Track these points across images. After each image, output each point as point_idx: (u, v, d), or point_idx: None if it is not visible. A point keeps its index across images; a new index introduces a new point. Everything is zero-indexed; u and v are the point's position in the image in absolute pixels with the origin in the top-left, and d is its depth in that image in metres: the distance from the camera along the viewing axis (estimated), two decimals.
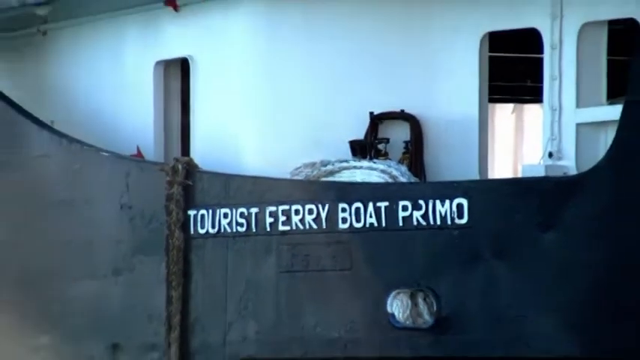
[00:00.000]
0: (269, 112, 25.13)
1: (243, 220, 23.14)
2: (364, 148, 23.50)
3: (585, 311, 20.54)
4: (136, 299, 24.89)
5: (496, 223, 21.34)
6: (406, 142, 23.69)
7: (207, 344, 24.03)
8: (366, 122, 23.72)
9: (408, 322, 20.99)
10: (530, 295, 20.97)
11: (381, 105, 23.72)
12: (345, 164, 23.08)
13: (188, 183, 23.57)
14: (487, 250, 21.03)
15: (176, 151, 26.65)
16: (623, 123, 20.14)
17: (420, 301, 21.00)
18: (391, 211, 21.77)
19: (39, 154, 27.14)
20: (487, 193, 21.82)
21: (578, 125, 22.11)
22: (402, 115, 23.65)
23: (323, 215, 22.36)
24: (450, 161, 23.72)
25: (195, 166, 24.09)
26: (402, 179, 22.58)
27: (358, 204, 21.94)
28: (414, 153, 23.62)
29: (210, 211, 23.63)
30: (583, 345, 20.41)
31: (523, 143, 25.66)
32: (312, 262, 22.60)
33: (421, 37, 23.97)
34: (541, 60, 23.03)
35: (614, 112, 20.96)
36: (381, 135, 23.77)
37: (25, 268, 27.71)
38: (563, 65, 22.48)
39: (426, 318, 20.83)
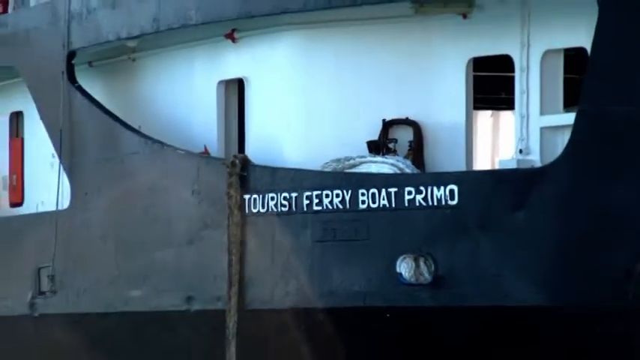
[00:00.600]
0: (305, 119, 25.95)
1: (285, 202, 24.33)
2: (378, 147, 24.62)
3: (548, 270, 22.01)
4: (204, 263, 25.94)
5: (479, 204, 22.86)
6: (410, 142, 24.75)
7: (259, 297, 24.94)
8: (379, 127, 24.78)
9: (412, 280, 22.48)
10: (506, 258, 22.31)
11: (390, 113, 24.81)
12: (363, 159, 24.28)
13: (243, 174, 24.66)
14: (472, 225, 22.66)
15: (234, 149, 26.95)
16: (576, 127, 21.38)
17: (422, 263, 22.41)
18: (399, 195, 23.05)
19: (131, 151, 28.13)
20: (472, 181, 23.28)
21: (541, 129, 23.10)
22: (406, 122, 24.70)
23: (347, 198, 23.50)
24: (444, 157, 24.65)
25: (249, 161, 25.12)
26: (407, 171, 23.96)
27: (374, 190, 23.24)
28: (416, 150, 24.64)
29: (261, 195, 24.74)
30: (547, 296, 21.76)
31: (499, 142, 26.21)
32: (338, 234, 23.83)
33: (421, 62, 24.81)
34: (513, 78, 23.92)
35: (569, 118, 21.98)
36: (390, 136, 24.80)
37: (122, 238, 28.64)
38: (530, 82, 23.37)
39: (426, 276, 22.23)
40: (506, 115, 25.47)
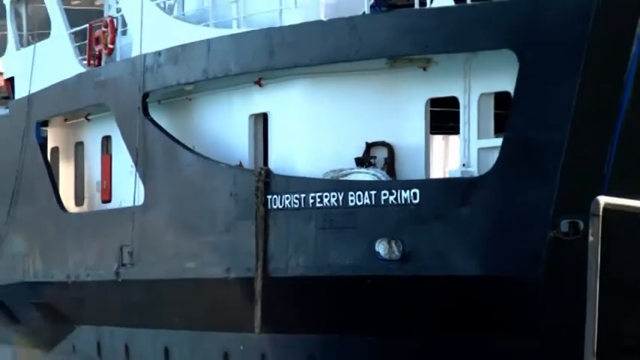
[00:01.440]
0: (310, 142, 26.11)
1: (297, 201, 25.02)
2: (363, 162, 25.05)
3: (483, 250, 22.75)
4: (238, 243, 26.24)
5: (434, 202, 23.47)
6: (385, 159, 25.17)
7: (277, 268, 25.43)
8: (363, 147, 25.20)
9: (386, 256, 23.41)
10: (453, 241, 23.03)
11: (371, 138, 25.19)
12: (352, 170, 25.00)
13: (267, 180, 25.32)
14: (430, 217, 23.29)
15: (260, 163, 27.08)
16: (503, 148, 22.34)
17: (393, 245, 23.30)
18: (377, 196, 23.87)
19: (187, 164, 28.39)
20: (429, 186, 24.11)
21: (479, 149, 23.87)
22: (383, 144, 25.10)
23: (340, 198, 24.31)
24: (409, 169, 25.14)
25: (271, 172, 25.67)
26: (383, 178, 24.55)
27: (359, 192, 23.98)
28: (389, 164, 25.07)
29: (279, 196, 25.34)
30: (482, 268, 22.49)
31: (449, 158, 26.84)
32: (334, 224, 24.49)
33: (394, 101, 25.14)
34: (458, 112, 24.34)
35: (498, 141, 22.75)
36: (371, 154, 25.20)
37: (180, 226, 29.01)
38: (470, 116, 23.97)
39: (397, 254, 23.16)
40: (453, 139, 26.03)
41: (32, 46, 35.85)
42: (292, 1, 26.20)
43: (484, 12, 23.15)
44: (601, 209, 9.17)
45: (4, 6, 38.84)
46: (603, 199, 9.32)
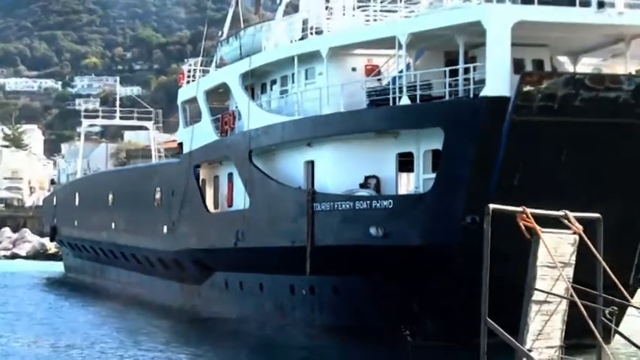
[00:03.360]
0: (336, 176, 25.06)
1: (328, 206, 24.31)
2: (363, 185, 24.37)
3: (427, 230, 22.23)
4: (298, 228, 25.15)
5: (400, 207, 23.02)
6: (375, 184, 24.37)
7: (318, 241, 24.61)
8: (363, 178, 24.42)
9: (375, 235, 22.99)
10: (411, 225, 22.60)
11: (367, 173, 24.45)
12: (358, 190, 24.51)
13: (313, 196, 24.81)
14: (398, 215, 22.73)
15: (309, 186, 25.95)
16: (436, 179, 22.24)
17: (379, 229, 22.86)
18: (370, 203, 23.52)
19: (271, 186, 27.22)
20: (398, 198, 23.59)
21: (424, 179, 23.20)
22: (373, 176, 24.33)
23: (351, 205, 23.97)
24: (387, 190, 24.26)
25: (316, 191, 25.11)
26: (374, 194, 24.06)
27: (361, 202, 23.76)
28: (377, 187, 24.34)
29: (319, 204, 24.63)
30: (423, 239, 22.21)
31: (408, 184, 25.13)
32: (347, 219, 23.94)
33: (379, 154, 24.28)
34: (413, 160, 23.81)
35: (433, 175, 22.40)
36: (368, 182, 24.38)
37: (269, 220, 27.67)
38: (421, 162, 23.43)
39: (380, 234, 22.84)
40: (410, 175, 24.79)
41: (192, 126, 35.52)
42: (325, 101, 25.32)
43: (427, 108, 23.00)
44: (490, 211, 8.90)
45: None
46: (491, 206, 8.97)
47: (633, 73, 23.12)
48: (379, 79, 25.82)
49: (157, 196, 37.32)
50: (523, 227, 8.76)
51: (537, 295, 8.72)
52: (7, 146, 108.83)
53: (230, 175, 31.53)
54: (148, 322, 31.41)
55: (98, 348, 24.85)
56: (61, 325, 30.41)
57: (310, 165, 26.37)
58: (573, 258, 9.39)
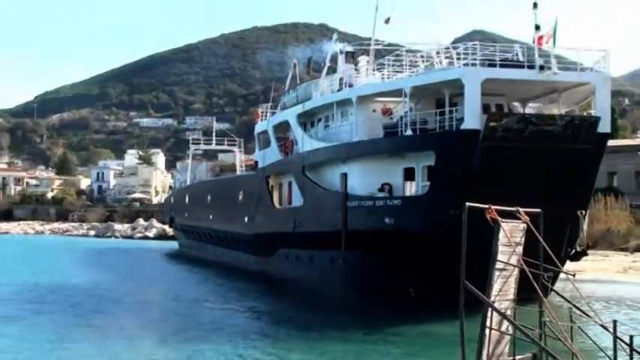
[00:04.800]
0: (362, 183, 24.28)
1: (357, 204, 23.75)
2: (380, 190, 23.62)
3: (425, 220, 21.22)
4: (335, 218, 24.48)
5: (406, 204, 22.43)
6: (388, 189, 23.57)
7: (350, 226, 23.91)
8: (380, 185, 23.70)
9: (388, 223, 22.36)
10: (412, 217, 21.69)
11: (383, 181, 23.66)
12: (377, 193, 23.73)
13: (346, 196, 24.29)
14: (404, 209, 22.19)
15: (343, 189, 24.90)
16: (430, 185, 21.72)
17: (391, 218, 22.34)
18: (385, 201, 23.01)
19: (318, 190, 26.51)
20: (405, 199, 22.93)
21: (422, 185, 22.55)
22: (387, 183, 23.57)
23: (372, 203, 23.39)
24: (397, 193, 23.48)
25: (348, 193, 24.41)
26: (387, 196, 23.41)
27: (380, 201, 23.15)
28: (390, 191, 23.53)
29: (351, 202, 24.07)
30: (420, 227, 21.29)
31: (412, 189, 23.94)
32: (370, 213, 23.22)
33: (391, 169, 23.65)
34: (414, 172, 23.06)
35: (428, 183, 22.11)
36: (384, 187, 23.64)
37: (315, 214, 26.70)
38: (419, 174, 22.89)
39: (392, 223, 22.24)
40: (413, 183, 23.81)
41: (264, 150, 34.83)
42: (355, 132, 24.81)
43: (423, 137, 22.52)
44: (467, 207, 8.37)
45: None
46: (467, 204, 8.44)
47: (563, 113, 22.98)
48: (391, 118, 25.35)
49: (240, 197, 36.73)
50: (489, 219, 8.57)
51: (498, 265, 8.53)
52: (141, 163, 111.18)
53: (290, 183, 30.89)
54: (234, 281, 31.44)
55: (202, 298, 24.76)
56: (174, 282, 30.52)
57: (344, 176, 25.72)
58: (522, 239, 9.24)
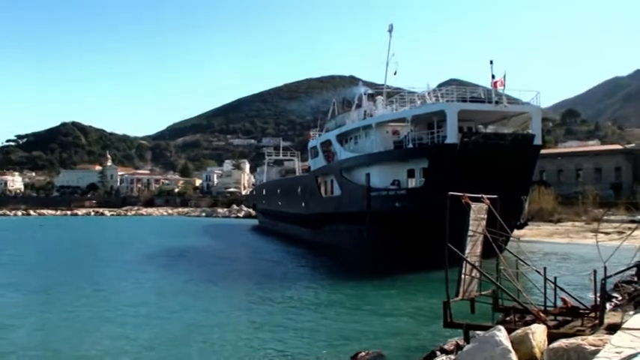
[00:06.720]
0: (381, 179, 22.93)
1: (377, 194, 22.44)
2: (392, 184, 22.56)
3: (421, 204, 19.95)
4: (361, 203, 22.50)
5: (410, 194, 21.39)
6: (398, 184, 22.57)
7: (373, 208, 22.16)
8: (392, 180, 22.71)
9: (398, 206, 20.86)
10: (413, 202, 20.53)
11: (394, 178, 22.65)
12: (390, 187, 22.67)
13: (369, 188, 22.65)
14: (408, 198, 21.21)
15: (366, 184, 23.43)
16: (425, 181, 20.93)
17: (400, 203, 21.20)
18: (397, 192, 22.24)
19: (350, 184, 25.27)
20: (409, 190, 22.01)
21: (419, 181, 21.24)
22: (396, 180, 22.62)
23: (387, 193, 22.53)
24: (403, 186, 22.32)
25: (371, 186, 22.80)
26: (397, 188, 22.49)
27: (392, 192, 22.27)
28: (398, 185, 22.55)
29: (372, 192, 22.78)
30: (413, 209, 19.87)
31: (413, 184, 21.70)
32: (386, 200, 22.04)
33: (399, 170, 22.41)
34: (414, 172, 22.11)
35: (423, 180, 21.24)
36: (394, 182, 22.71)
37: (350, 200, 24.78)
38: (417, 174, 21.78)
39: (400, 206, 21.08)
40: (414, 179, 22.03)
41: (314, 159, 33.28)
42: (375, 146, 23.94)
43: (420, 149, 21.95)
44: (449, 195, 7.77)
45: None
46: (450, 193, 7.64)
47: (511, 132, 22.17)
48: (399, 136, 24.67)
49: (299, 190, 35.42)
50: (464, 203, 8.45)
51: (470, 233, 8.41)
52: (234, 169, 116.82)
53: (332, 180, 29.90)
54: (296, 247, 30.33)
55: (275, 258, 24.37)
56: (255, 247, 30.24)
57: (368, 175, 24.52)
58: (485, 216, 9.01)
